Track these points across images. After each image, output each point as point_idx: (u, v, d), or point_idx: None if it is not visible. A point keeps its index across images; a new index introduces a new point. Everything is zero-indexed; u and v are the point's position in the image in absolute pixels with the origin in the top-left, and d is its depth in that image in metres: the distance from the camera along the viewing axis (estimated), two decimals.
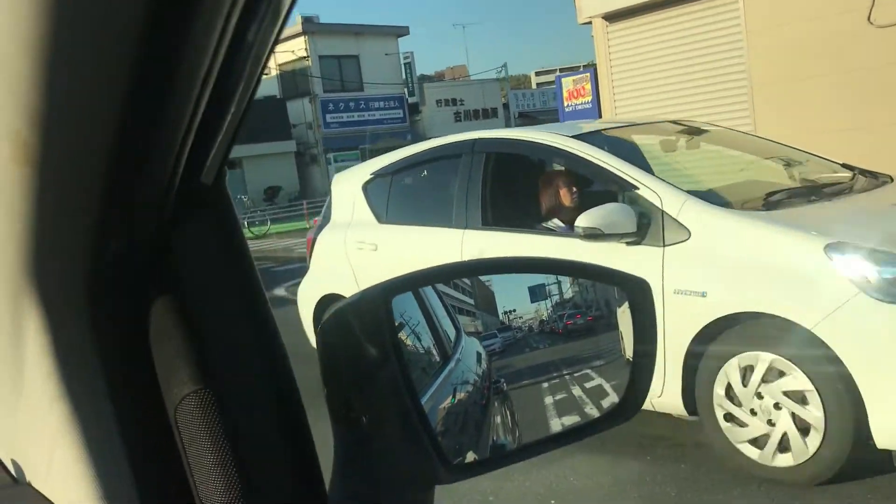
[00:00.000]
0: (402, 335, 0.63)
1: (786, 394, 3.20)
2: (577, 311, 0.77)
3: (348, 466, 0.63)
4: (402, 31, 34.23)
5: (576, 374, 0.75)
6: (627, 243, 3.60)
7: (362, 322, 0.63)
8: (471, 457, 0.67)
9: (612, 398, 0.73)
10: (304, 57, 30.55)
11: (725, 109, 10.11)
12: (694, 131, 4.85)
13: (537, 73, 57.45)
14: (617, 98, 11.95)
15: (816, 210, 3.62)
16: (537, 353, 0.73)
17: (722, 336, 3.36)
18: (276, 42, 0.48)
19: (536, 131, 4.50)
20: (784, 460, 3.21)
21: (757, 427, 3.27)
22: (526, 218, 4.30)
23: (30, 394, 0.60)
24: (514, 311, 0.73)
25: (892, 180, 4.15)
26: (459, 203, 4.39)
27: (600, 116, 12.16)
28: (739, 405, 3.32)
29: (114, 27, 0.40)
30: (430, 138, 6.02)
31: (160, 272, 0.57)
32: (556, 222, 4.18)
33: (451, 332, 0.70)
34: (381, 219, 4.89)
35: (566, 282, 0.76)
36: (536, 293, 0.74)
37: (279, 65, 31.04)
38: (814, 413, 3.10)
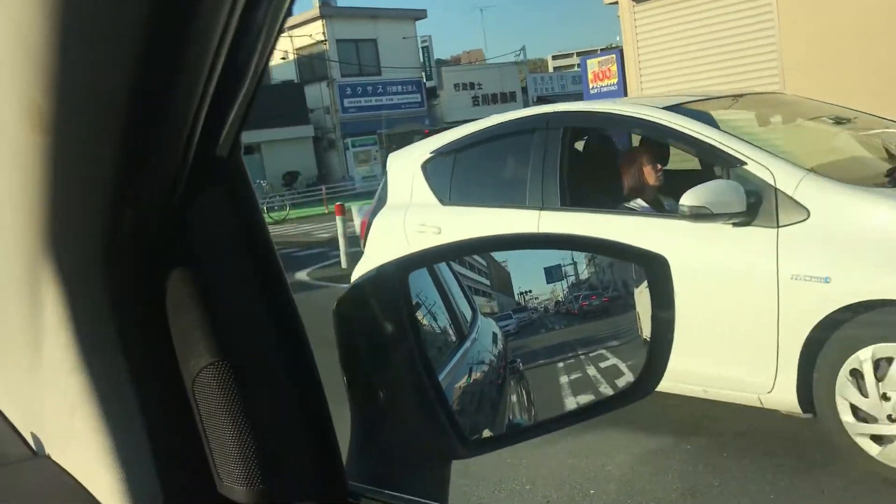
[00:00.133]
0: (419, 314, 0.64)
1: None
2: (593, 293, 0.78)
3: (365, 441, 0.64)
4: (419, 15, 34.04)
5: (591, 355, 0.76)
6: (735, 224, 3.27)
7: (379, 298, 0.63)
8: (487, 433, 0.67)
9: (627, 378, 0.74)
10: (322, 41, 30.50)
11: (757, 90, 9.98)
12: (774, 102, 4.39)
13: (554, 57, 57.00)
14: (644, 79, 11.82)
15: None
16: (553, 333, 0.74)
17: (847, 326, 3.04)
18: (289, 13, 0.48)
19: (622, 104, 4.15)
20: None
21: (885, 424, 2.98)
22: (608, 197, 4.00)
23: (48, 366, 0.60)
24: (530, 291, 0.73)
25: None
26: (535, 182, 4.06)
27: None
28: (866, 398, 3.04)
29: None
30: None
31: (176, 244, 0.57)
32: (638, 202, 3.92)
33: (468, 312, 0.71)
34: (444, 200, 4.52)
35: (582, 263, 0.77)
36: (552, 274, 0.75)
37: (296, 49, 31.04)
38: None
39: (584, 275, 0.77)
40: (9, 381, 0.72)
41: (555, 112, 4.28)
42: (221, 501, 0.59)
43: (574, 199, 3.96)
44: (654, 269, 0.74)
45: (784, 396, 3.19)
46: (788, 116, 4.51)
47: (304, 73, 31.26)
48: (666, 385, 3.12)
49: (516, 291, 0.73)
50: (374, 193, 5.37)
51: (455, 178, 4.60)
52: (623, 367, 0.75)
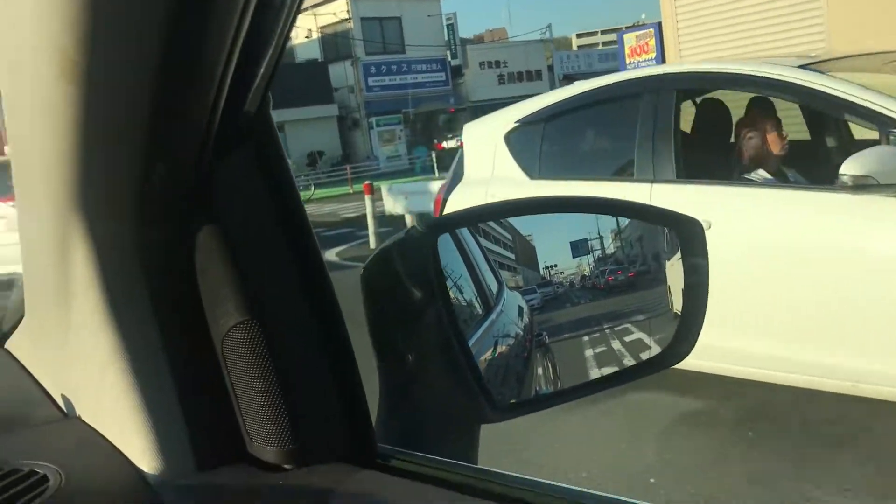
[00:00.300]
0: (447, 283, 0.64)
1: None
2: (619, 267, 0.78)
3: (394, 405, 0.64)
4: None
5: (616, 329, 0.76)
6: None
7: (408, 261, 0.63)
8: (516, 398, 0.68)
9: (654, 351, 0.74)
10: (346, 19, 30.43)
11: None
12: None
13: (578, 36, 56.36)
14: (683, 52, 11.61)
15: None
16: (579, 307, 0.74)
17: None
18: None
19: (747, 64, 3.69)
20: None
21: None
22: (724, 168, 3.61)
23: (78, 325, 0.61)
24: (556, 266, 0.73)
25: None
26: (644, 152, 3.59)
27: None
28: None
29: None
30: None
31: (205, 202, 0.57)
32: (760, 173, 3.50)
33: (493, 285, 0.71)
34: (532, 174, 4.04)
35: (608, 237, 0.76)
36: (578, 248, 0.75)
37: (320, 27, 31.00)
38: None
39: (610, 249, 0.77)
40: (39, 344, 0.73)
41: (666, 74, 3.80)
42: (251, 461, 0.60)
43: (692, 170, 3.52)
44: (688, 233, 0.73)
45: None
46: None
47: (328, 51, 31.23)
48: (811, 381, 3.00)
49: (541, 265, 0.73)
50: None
51: (545, 149, 4.10)
52: (649, 340, 0.75)
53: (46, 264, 0.62)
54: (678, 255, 0.75)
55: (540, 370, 0.71)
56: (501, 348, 0.69)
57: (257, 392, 0.57)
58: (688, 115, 4.00)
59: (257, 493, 0.58)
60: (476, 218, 0.70)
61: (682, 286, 0.74)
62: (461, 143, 4.73)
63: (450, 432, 0.65)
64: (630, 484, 2.99)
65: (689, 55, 11.49)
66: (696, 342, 0.72)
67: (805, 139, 4.33)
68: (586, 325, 0.75)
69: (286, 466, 0.59)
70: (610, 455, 3.28)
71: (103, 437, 0.62)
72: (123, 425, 0.59)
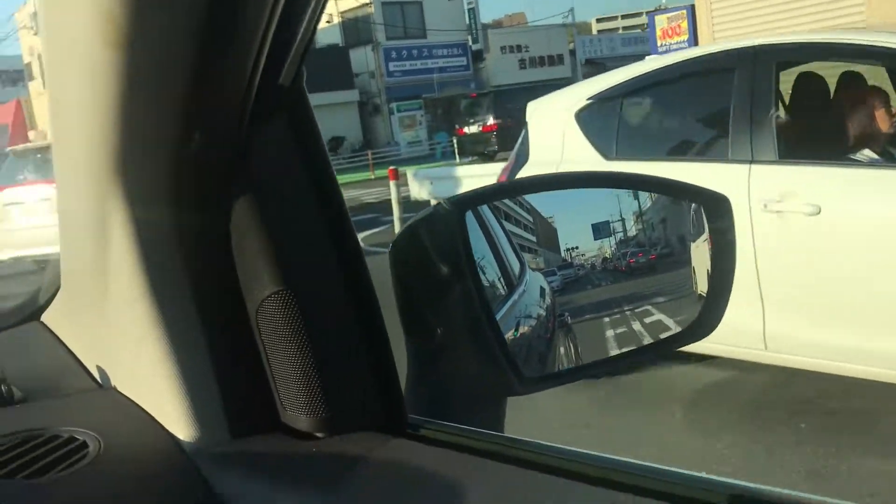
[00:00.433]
0: None
1: None
2: (641, 250, 0.78)
3: (421, 377, 0.65)
4: None
5: (637, 310, 0.76)
6: None
7: (435, 236, 0.63)
8: (543, 371, 0.68)
9: (675, 331, 0.74)
10: (367, 3, 30.33)
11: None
12: None
13: (598, 20, 55.74)
14: (717, 34, 11.44)
15: None
16: (600, 289, 0.74)
17: None
18: None
19: (857, 34, 3.40)
20: None
21: None
22: (827, 147, 3.35)
23: (115, 295, 0.62)
24: (577, 248, 0.74)
25: None
26: (740, 130, 3.30)
27: None
28: None
29: None
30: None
31: (240, 172, 0.58)
32: (866, 153, 3.25)
33: (516, 266, 0.72)
34: (608, 154, 3.71)
35: (630, 219, 0.77)
36: (600, 230, 0.75)
37: (341, 12, 30.92)
38: None
39: (632, 231, 0.77)
40: (75, 316, 0.75)
41: (763, 45, 3.45)
42: (284, 430, 0.61)
43: (794, 149, 3.28)
44: (715, 209, 0.73)
45: None
46: None
47: (348, 36, 31.18)
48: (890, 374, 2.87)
49: (562, 248, 0.73)
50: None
51: (623, 128, 3.79)
52: (670, 322, 0.76)
53: (84, 236, 0.63)
54: (704, 236, 0.75)
55: (562, 350, 0.72)
56: (524, 328, 0.70)
57: (290, 361, 0.58)
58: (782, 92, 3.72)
59: (290, 460, 0.59)
60: (501, 193, 0.70)
61: (707, 267, 0.74)
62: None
63: (477, 404, 0.66)
64: None
65: (723, 36, 11.31)
66: (720, 320, 0.73)
67: None
68: (607, 307, 0.75)
69: (318, 435, 0.60)
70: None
71: (139, 406, 0.64)
72: (159, 394, 0.61)
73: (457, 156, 22.23)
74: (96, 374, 0.71)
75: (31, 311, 0.86)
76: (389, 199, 10.06)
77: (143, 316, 0.60)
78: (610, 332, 0.74)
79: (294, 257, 0.59)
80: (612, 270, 0.75)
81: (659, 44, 13.56)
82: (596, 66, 31.47)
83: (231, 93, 0.54)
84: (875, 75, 3.72)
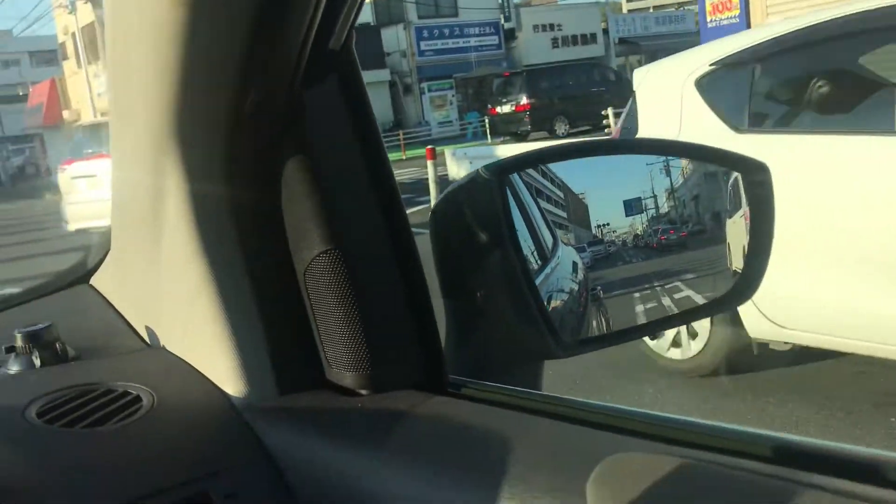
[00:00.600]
0: None
1: None
2: (672, 227, 0.79)
3: (461, 340, 0.67)
4: None
5: (667, 286, 0.77)
6: None
7: (475, 203, 0.65)
8: (582, 335, 0.69)
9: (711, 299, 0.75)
10: None
11: None
12: None
13: (628, 0, 54.67)
14: (770, 7, 11.12)
15: None
16: (630, 266, 0.75)
17: None
18: None
19: None
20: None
21: None
22: None
23: (168, 257, 0.65)
24: (608, 224, 0.75)
25: None
26: None
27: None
28: None
29: None
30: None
31: (291, 135, 0.60)
32: None
33: (549, 240, 0.73)
34: (738, 126, 3.25)
35: (662, 196, 0.77)
36: (632, 207, 0.76)
37: None
38: None
39: (664, 209, 0.78)
40: (124, 278, 0.78)
41: None
42: (330, 387, 0.63)
43: None
44: (755, 177, 0.73)
45: None
46: None
47: (380, 15, 31.01)
48: None
49: (594, 224, 0.74)
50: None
51: (756, 95, 3.34)
52: (699, 298, 0.77)
53: (138, 201, 0.66)
54: (742, 211, 0.75)
55: (594, 323, 0.73)
56: (556, 302, 0.72)
57: (337, 320, 0.60)
58: None
59: (336, 416, 0.61)
60: (538, 159, 0.71)
61: (744, 243, 0.74)
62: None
63: (515, 366, 0.67)
64: None
65: (776, 11, 10.99)
66: (758, 287, 0.73)
67: None
68: (638, 282, 0.76)
69: (362, 392, 0.62)
70: None
71: (189, 364, 0.67)
72: (210, 353, 0.63)
73: (488, 136, 22.09)
74: (145, 335, 0.74)
75: (81, 275, 0.90)
76: (423, 180, 10.01)
77: (196, 276, 0.62)
78: (640, 308, 0.75)
79: (343, 218, 0.60)
80: (643, 247, 0.76)
81: (708, 19, 13.23)
82: (629, 45, 30.98)
83: (285, 55, 0.55)
84: None
